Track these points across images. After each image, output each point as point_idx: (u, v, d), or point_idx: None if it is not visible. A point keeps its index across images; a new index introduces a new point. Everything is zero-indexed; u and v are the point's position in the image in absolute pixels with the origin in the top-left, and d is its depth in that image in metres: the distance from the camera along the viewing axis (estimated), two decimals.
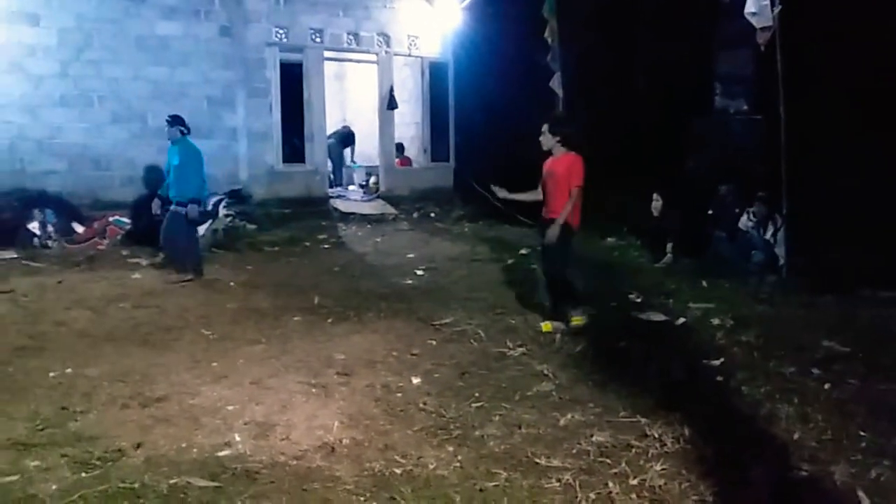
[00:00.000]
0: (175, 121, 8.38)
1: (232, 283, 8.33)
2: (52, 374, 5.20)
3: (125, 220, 10.71)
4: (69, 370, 5.28)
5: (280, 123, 13.11)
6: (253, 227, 11.32)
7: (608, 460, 3.90)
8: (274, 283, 8.29)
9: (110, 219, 10.58)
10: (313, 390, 4.96)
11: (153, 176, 11.31)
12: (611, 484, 3.63)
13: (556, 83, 11.87)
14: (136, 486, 3.61)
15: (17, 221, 9.94)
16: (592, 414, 4.55)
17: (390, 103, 14.45)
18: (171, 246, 8.50)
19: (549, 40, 11.78)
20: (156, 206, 8.46)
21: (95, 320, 6.71)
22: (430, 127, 15.19)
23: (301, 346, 5.98)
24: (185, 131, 8.38)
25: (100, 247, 10.10)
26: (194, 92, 12.23)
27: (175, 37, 12.05)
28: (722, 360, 5.60)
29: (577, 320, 6.35)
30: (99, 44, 11.48)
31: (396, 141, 14.96)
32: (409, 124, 15.47)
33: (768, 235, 8.67)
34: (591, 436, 4.20)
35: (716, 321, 6.66)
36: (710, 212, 9.60)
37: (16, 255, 9.29)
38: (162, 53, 11.94)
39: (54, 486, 3.60)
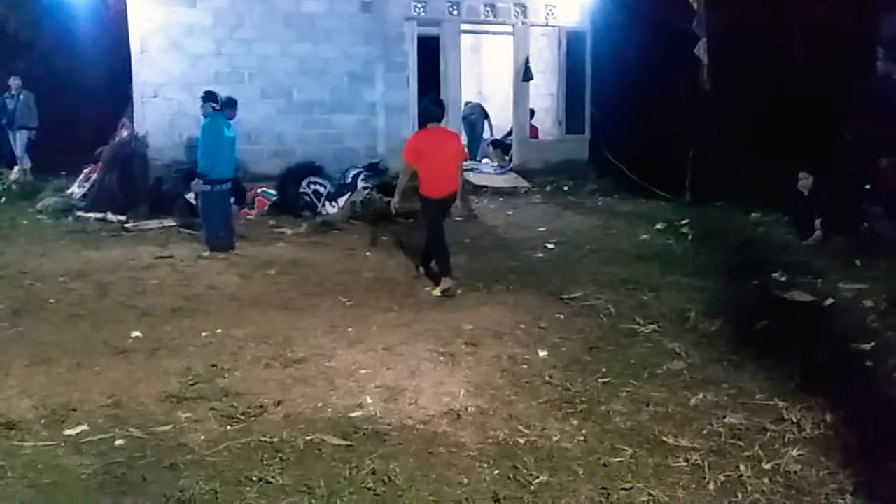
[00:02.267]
0: (207, 97, 8.39)
1: (368, 254, 8.60)
2: (203, 334, 5.60)
3: (272, 191, 11.26)
4: (219, 331, 5.67)
5: (417, 97, 13.31)
6: (388, 199, 11.60)
7: (740, 443, 3.77)
8: (407, 254, 8.50)
9: (258, 190, 11.17)
10: (441, 358, 5.07)
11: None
12: (742, 467, 3.51)
13: (701, 50, 11.36)
14: (276, 440, 3.85)
15: (177, 192, 10.69)
16: (726, 395, 4.39)
17: (525, 74, 14.31)
18: (206, 221, 8.59)
19: (695, 5, 11.26)
20: (198, 185, 8.37)
21: (243, 285, 7.14)
22: (566, 98, 14.92)
23: (431, 315, 6.11)
24: (217, 107, 8.34)
25: (249, 216, 10.69)
26: (336, 68, 12.64)
27: (319, 14, 12.47)
28: (873, 343, 5.23)
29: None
30: (250, 23, 12.09)
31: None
32: (545, 96, 15.28)
33: None
34: (724, 417, 4.07)
35: (869, 303, 6.22)
36: (867, 186, 8.91)
37: (174, 224, 10.01)
38: (307, 30, 12.40)
39: (203, 437, 3.91)
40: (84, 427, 3.99)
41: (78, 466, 3.59)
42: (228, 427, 4.03)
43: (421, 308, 6.35)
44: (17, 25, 14.04)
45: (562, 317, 6.05)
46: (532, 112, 15.00)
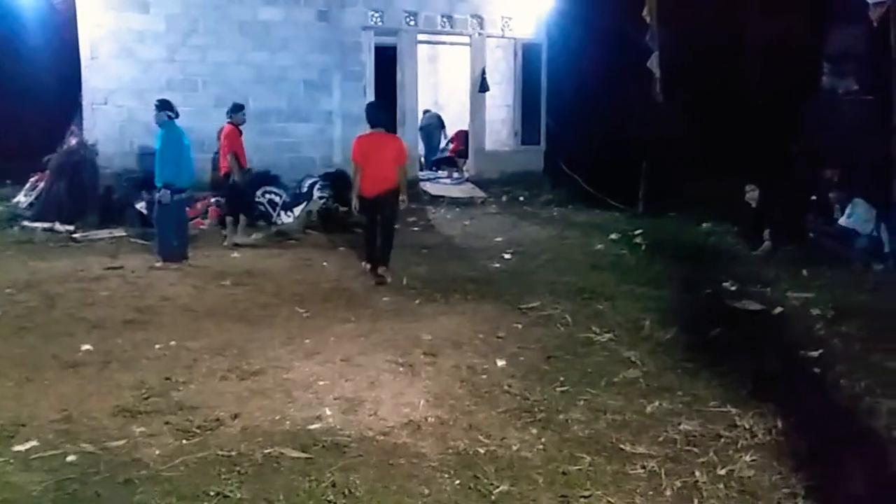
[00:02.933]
0: (162, 105, 8.34)
1: (325, 264, 8.55)
2: (157, 346, 5.50)
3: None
4: (173, 343, 5.57)
5: None
6: (345, 209, 11.56)
7: (695, 449, 3.84)
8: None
9: (211, 200, 11.02)
10: (400, 369, 5.06)
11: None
12: (697, 473, 3.57)
13: (653, 63, 11.59)
14: (233, 454, 3.80)
15: (127, 201, 10.50)
16: (680, 402, 4.47)
17: (482, 86, 14.43)
18: (160, 231, 8.49)
19: (648, 18, 11.50)
20: (164, 196, 8.18)
21: (197, 296, 7.03)
22: (522, 109, 15.09)
23: (389, 325, 6.10)
24: (172, 115, 8.30)
25: (201, 226, 10.54)
26: (293, 75, 12.56)
27: (275, 22, 12.38)
28: (821, 351, 5.39)
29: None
30: (204, 29, 11.93)
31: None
32: (501, 107, 15.41)
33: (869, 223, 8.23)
34: (679, 424, 4.14)
35: (816, 311, 6.40)
36: (813, 197, 9.18)
37: (125, 234, 9.82)
38: (263, 38, 12.30)
39: (158, 452, 3.83)
40: (34, 443, 3.88)
41: (28, 483, 3.49)
42: (184, 441, 3.96)
43: (379, 318, 6.33)
44: None
45: (520, 326, 6.09)
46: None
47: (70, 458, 3.74)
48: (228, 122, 9.49)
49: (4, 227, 9.98)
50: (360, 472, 3.61)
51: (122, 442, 3.93)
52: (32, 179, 11.02)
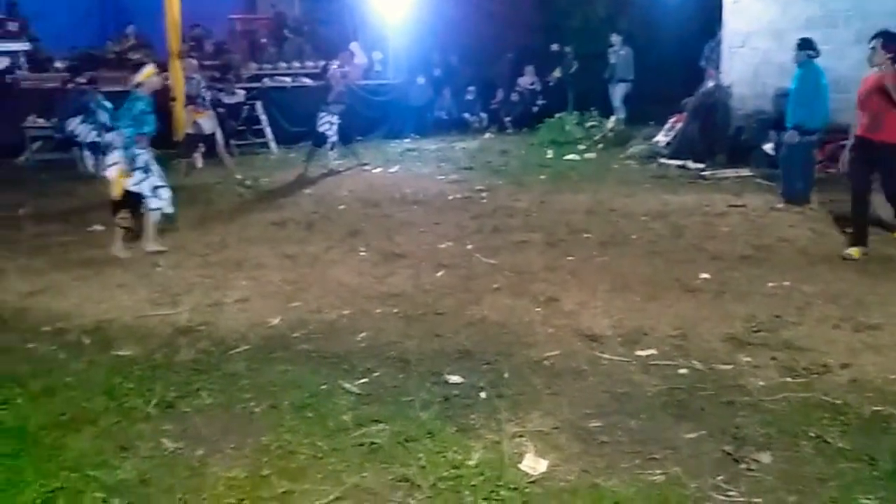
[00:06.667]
0: (804, 44, 8.06)
1: None
2: (770, 284, 5.57)
3: None
4: (786, 283, 5.57)
5: None
6: None
7: None
8: None
9: (842, 143, 10.31)
10: None
11: None
12: None
13: None
14: (839, 402, 3.71)
15: (755, 142, 10.59)
16: None
17: None
18: (785, 172, 8.28)
19: None
20: (792, 137, 8.07)
21: (816, 240, 6.80)
22: None
23: None
24: (813, 54, 7.95)
25: (830, 171, 9.98)
26: None
27: None
28: None
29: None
30: None
31: None
32: None
33: None
34: None
35: None
36: None
37: (750, 173, 9.97)
38: None
39: (761, 383, 3.97)
40: (653, 351, 4.43)
41: (645, 384, 4.02)
42: (788, 379, 4.01)
43: None
44: None
45: None
46: None
47: (681, 370, 4.17)
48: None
49: (644, 163, 11.18)
50: None
51: (728, 367, 4.19)
52: (671, 120, 12.02)
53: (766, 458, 3.26)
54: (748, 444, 3.37)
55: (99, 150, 10.29)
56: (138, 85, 6.74)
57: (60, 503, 3.04)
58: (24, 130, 11.67)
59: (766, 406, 3.71)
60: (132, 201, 6.71)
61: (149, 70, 6.90)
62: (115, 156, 6.58)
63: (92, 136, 10.59)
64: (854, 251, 6.18)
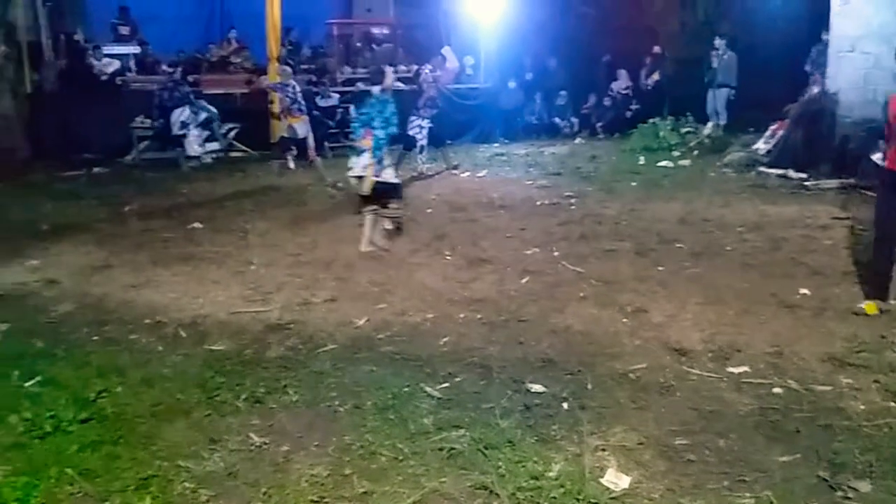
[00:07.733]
0: None
1: None
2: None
3: None
4: (893, 302, 5.24)
5: None
6: None
7: None
8: None
9: None
10: None
11: None
12: None
13: None
14: None
15: (863, 151, 10.06)
16: None
17: None
18: None
19: None
20: None
21: None
22: None
23: None
24: None
25: None
26: None
27: None
28: None
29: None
30: None
31: None
32: None
33: None
34: None
35: None
36: None
37: (856, 184, 9.48)
38: None
39: (862, 406, 3.78)
40: (746, 368, 4.27)
41: (736, 403, 3.88)
42: (892, 403, 3.80)
43: None
44: None
45: None
46: None
47: (776, 390, 4.00)
48: None
49: (743, 172, 10.77)
50: None
51: (827, 388, 3.99)
52: (773, 128, 11.55)
53: (865, 486, 3.09)
54: (846, 470, 3.21)
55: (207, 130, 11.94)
56: (384, 89, 7.04)
57: (153, 490, 3.17)
58: (131, 131, 12.30)
59: (867, 431, 3.52)
60: (384, 196, 6.96)
61: (391, 74, 7.31)
62: (365, 158, 6.77)
63: (201, 119, 11.91)
64: (870, 306, 5.15)
